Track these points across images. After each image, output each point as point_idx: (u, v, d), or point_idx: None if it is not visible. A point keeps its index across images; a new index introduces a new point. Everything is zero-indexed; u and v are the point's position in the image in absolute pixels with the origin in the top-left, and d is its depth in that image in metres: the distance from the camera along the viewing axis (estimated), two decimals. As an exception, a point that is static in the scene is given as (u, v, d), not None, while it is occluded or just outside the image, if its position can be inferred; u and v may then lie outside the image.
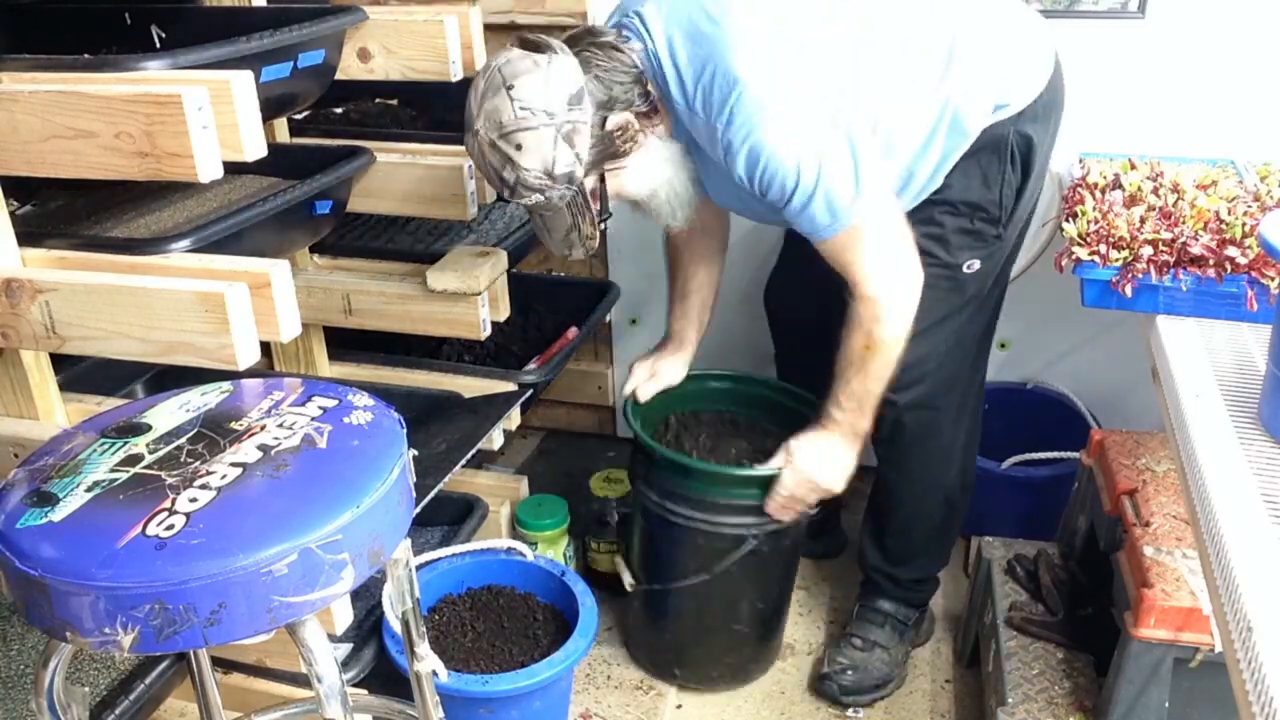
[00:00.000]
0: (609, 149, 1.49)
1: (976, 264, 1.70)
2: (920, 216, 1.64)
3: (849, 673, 1.90)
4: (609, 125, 1.47)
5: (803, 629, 2.10)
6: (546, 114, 1.40)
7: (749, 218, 1.76)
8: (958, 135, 1.58)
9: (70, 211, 1.62)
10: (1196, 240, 1.51)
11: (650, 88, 1.50)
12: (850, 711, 1.90)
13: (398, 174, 1.78)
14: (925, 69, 1.55)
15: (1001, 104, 1.60)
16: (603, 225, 1.56)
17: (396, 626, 1.57)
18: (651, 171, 1.56)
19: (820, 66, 1.49)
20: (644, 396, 1.90)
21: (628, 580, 1.91)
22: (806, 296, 1.92)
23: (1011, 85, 1.61)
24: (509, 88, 1.39)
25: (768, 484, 1.71)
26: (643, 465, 1.83)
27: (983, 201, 1.65)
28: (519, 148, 1.40)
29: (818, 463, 1.67)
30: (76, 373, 1.71)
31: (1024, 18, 1.68)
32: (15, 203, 1.63)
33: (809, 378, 1.85)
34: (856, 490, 2.16)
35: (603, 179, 1.53)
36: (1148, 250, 1.52)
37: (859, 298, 1.55)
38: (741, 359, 2.22)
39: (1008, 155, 1.64)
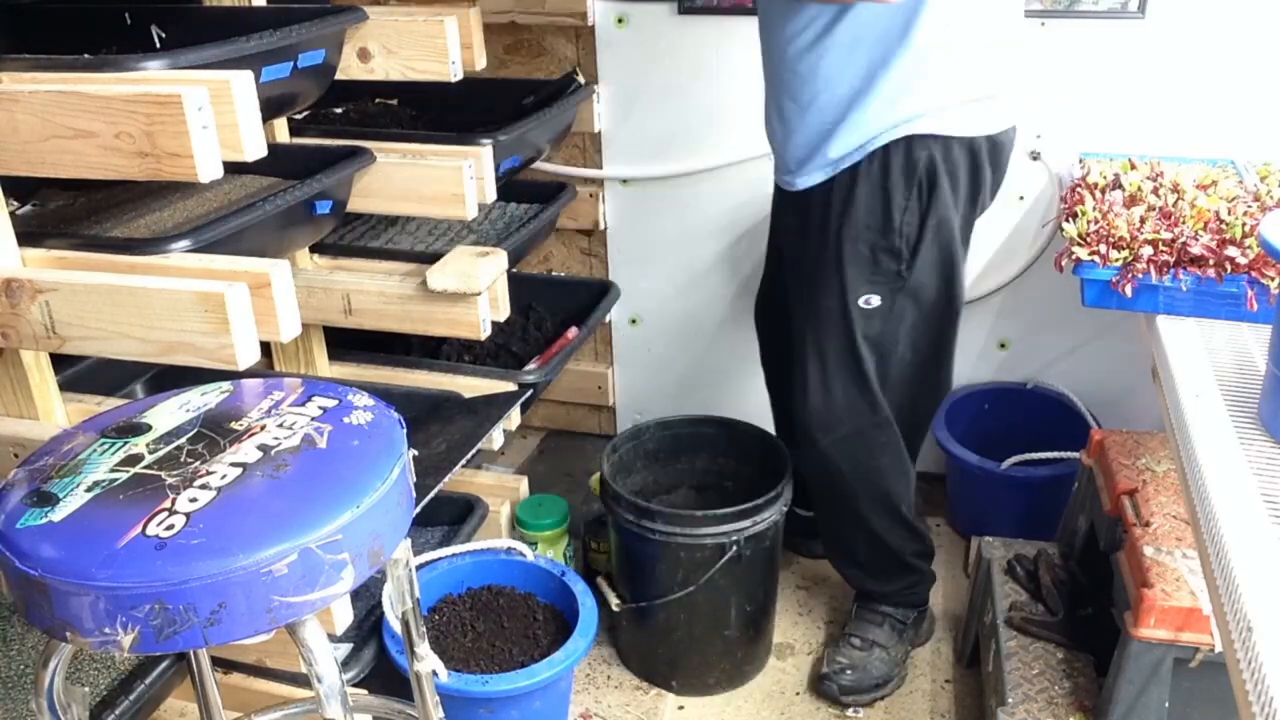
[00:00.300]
0: None
1: (876, 300, 1.66)
2: (815, 227, 1.65)
3: (848, 672, 1.89)
4: None
5: (803, 629, 2.10)
6: None
7: None
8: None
9: (70, 211, 1.62)
10: (1196, 240, 1.51)
11: None
12: (850, 711, 1.90)
13: (398, 174, 1.78)
14: None
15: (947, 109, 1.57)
16: None
17: (396, 626, 1.57)
18: None
19: None
20: None
21: (613, 601, 1.92)
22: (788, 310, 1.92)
23: (981, 104, 1.59)
24: None
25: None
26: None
27: (883, 227, 1.62)
28: None
29: None
30: (76, 373, 1.71)
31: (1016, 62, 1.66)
32: (15, 203, 1.63)
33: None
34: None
35: None
36: (1148, 250, 1.52)
37: None
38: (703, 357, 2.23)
39: (914, 183, 1.59)
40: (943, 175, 1.59)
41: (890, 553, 1.90)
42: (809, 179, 1.67)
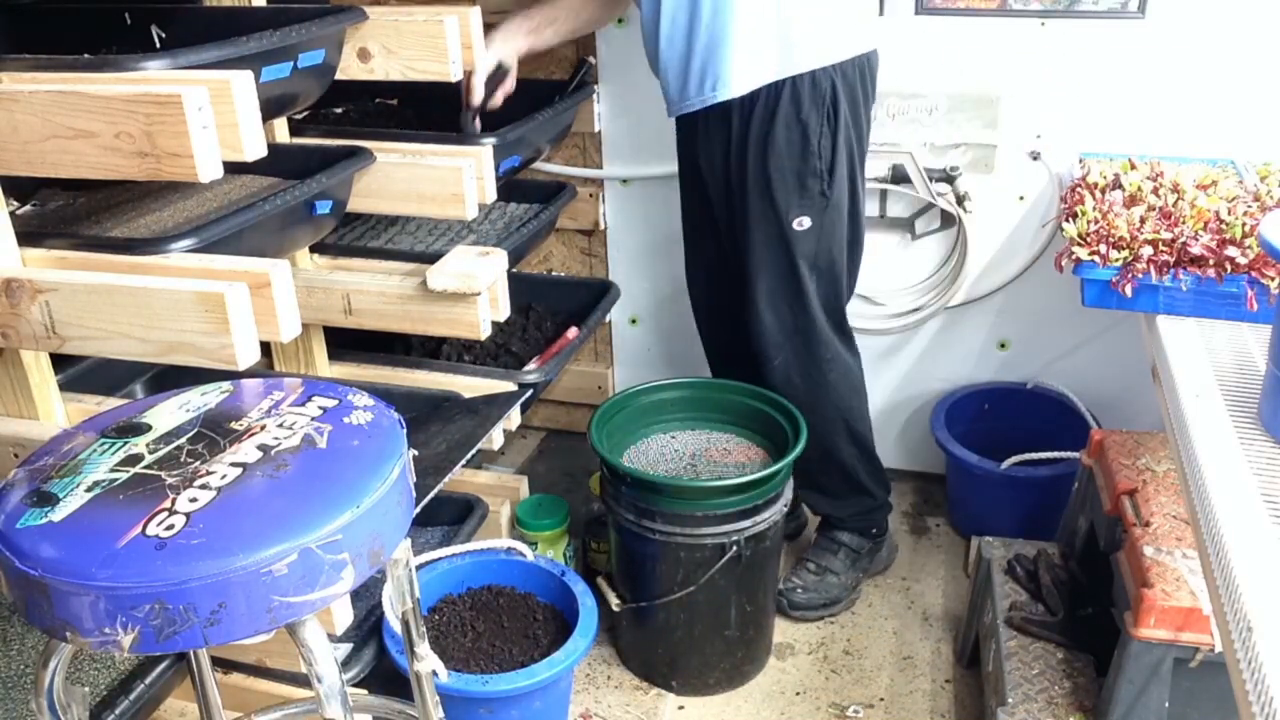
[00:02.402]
0: None
1: (807, 221, 1.83)
2: (754, 174, 1.82)
3: (799, 591, 2.10)
4: None
5: (803, 629, 2.10)
6: None
7: None
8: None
9: (70, 211, 1.62)
10: (1196, 240, 1.51)
11: None
12: (850, 710, 1.90)
13: (398, 174, 1.78)
14: None
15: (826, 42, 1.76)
16: None
17: (396, 626, 1.57)
18: None
19: None
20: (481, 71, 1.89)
21: (613, 601, 1.92)
22: (719, 281, 2.07)
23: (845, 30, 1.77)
24: None
25: (744, 489, 1.76)
26: (613, 485, 1.84)
27: (803, 147, 1.79)
28: None
29: None
30: (76, 373, 1.71)
31: None
32: (15, 203, 1.63)
33: (731, 364, 2.10)
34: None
35: None
36: (1148, 250, 1.52)
37: None
38: (703, 358, 2.25)
39: (822, 104, 1.78)
40: (843, 99, 1.79)
41: (845, 473, 2.08)
42: (730, 88, 1.79)
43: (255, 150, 1.26)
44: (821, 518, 2.19)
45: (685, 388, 2.05)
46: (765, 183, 1.82)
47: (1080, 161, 1.98)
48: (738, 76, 1.76)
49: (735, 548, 1.77)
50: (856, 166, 1.88)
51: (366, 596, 1.75)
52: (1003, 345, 2.34)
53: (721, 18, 1.73)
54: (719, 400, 2.02)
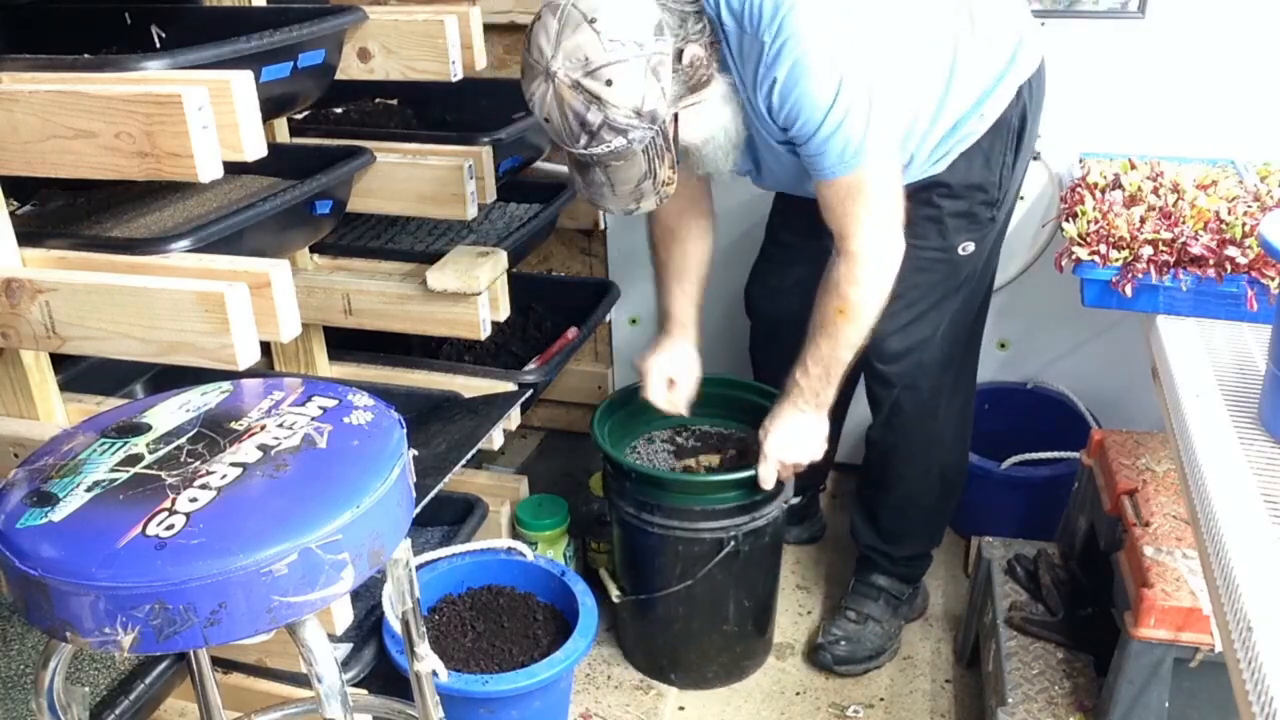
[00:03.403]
0: (688, 81, 1.41)
1: (971, 246, 1.72)
2: (919, 199, 1.65)
3: (843, 643, 1.96)
4: (685, 58, 1.39)
5: (804, 629, 2.10)
6: (636, 45, 1.32)
7: (749, 174, 1.71)
8: (970, 117, 1.61)
9: (70, 211, 1.62)
10: (1196, 240, 1.51)
11: (706, 17, 1.43)
12: (851, 710, 1.90)
13: (398, 174, 1.78)
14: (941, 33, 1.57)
15: (1002, 76, 1.62)
16: (673, 171, 1.47)
17: (396, 626, 1.57)
18: (715, 111, 1.49)
19: (860, 6, 1.47)
20: (672, 409, 1.85)
21: (614, 593, 1.93)
22: (787, 296, 1.93)
23: (1017, 59, 1.64)
24: (592, 21, 1.30)
25: (743, 485, 1.74)
26: (615, 479, 1.84)
27: (984, 183, 1.68)
28: (609, 84, 1.31)
29: (790, 442, 1.69)
30: (76, 373, 1.71)
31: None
32: (15, 203, 1.63)
33: (782, 376, 1.88)
34: (835, 474, 2.26)
35: (676, 119, 1.44)
36: (1148, 250, 1.52)
37: (843, 253, 1.54)
38: (721, 362, 2.22)
39: (1009, 136, 1.66)
40: (1028, 119, 1.68)
41: (919, 517, 1.96)
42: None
43: (255, 150, 1.26)
44: (860, 556, 2.05)
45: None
46: (936, 214, 1.68)
47: (1080, 161, 1.98)
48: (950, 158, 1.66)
49: (733, 542, 1.78)
50: (1019, 184, 1.77)
51: (366, 596, 1.75)
52: (1003, 345, 2.33)
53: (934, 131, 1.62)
54: (724, 396, 2.02)
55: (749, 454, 1.79)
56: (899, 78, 1.53)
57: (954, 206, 1.69)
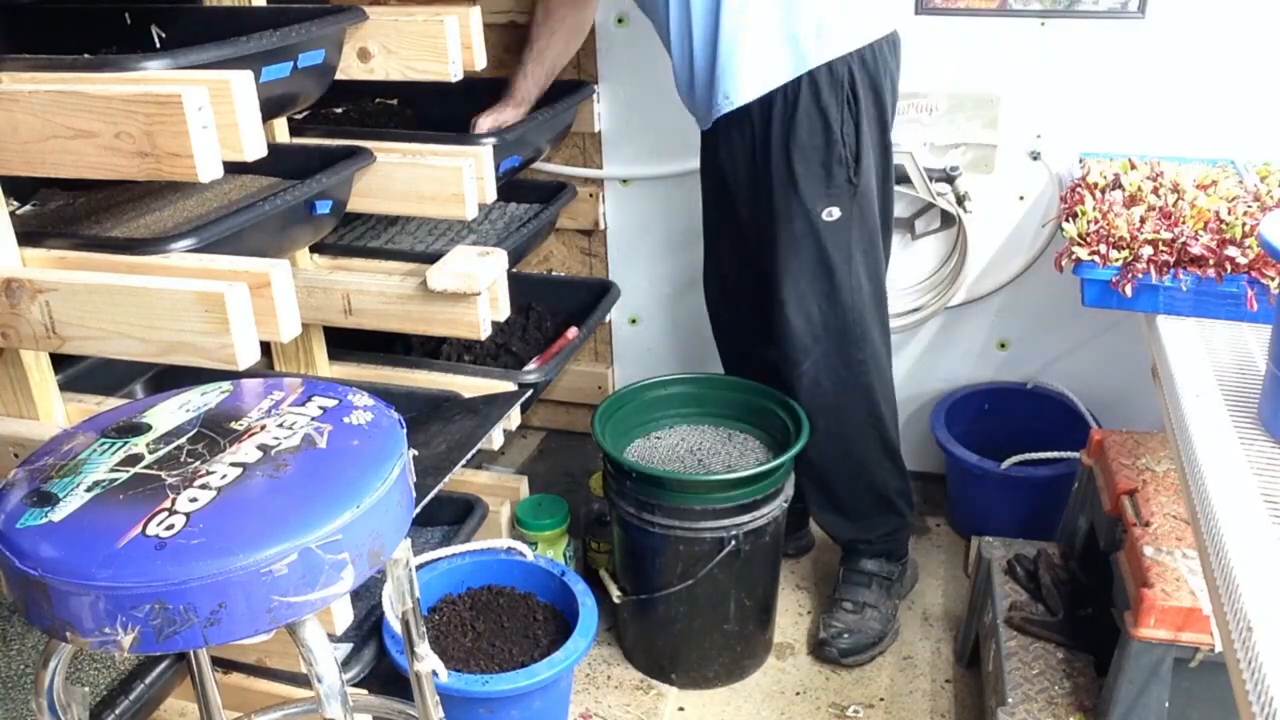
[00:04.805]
0: None
1: (837, 211, 1.78)
2: (779, 170, 1.78)
3: (845, 636, 1.98)
4: None
5: (803, 629, 2.10)
6: None
7: None
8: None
9: (70, 211, 1.62)
10: (1196, 240, 1.51)
11: None
12: (851, 710, 1.90)
13: (398, 174, 1.78)
14: None
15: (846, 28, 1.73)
16: None
17: (396, 626, 1.57)
18: None
19: None
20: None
21: (614, 593, 1.93)
22: (737, 290, 2.04)
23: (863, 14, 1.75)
24: None
25: (743, 484, 1.75)
26: (615, 479, 1.84)
27: (828, 143, 1.75)
28: None
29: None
30: (76, 373, 1.71)
31: None
32: (15, 203, 1.63)
33: (748, 369, 2.03)
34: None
35: None
36: (1148, 250, 1.52)
37: None
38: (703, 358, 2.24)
39: (845, 94, 1.75)
40: (861, 84, 1.75)
41: (876, 490, 2.00)
42: (742, 94, 1.77)
43: (255, 150, 1.26)
44: (844, 548, 2.09)
45: (688, 383, 2.05)
46: (790, 177, 1.78)
47: (1080, 161, 1.98)
48: (747, 83, 1.75)
49: (734, 542, 1.78)
50: (885, 153, 1.84)
51: (366, 596, 1.75)
52: (1003, 345, 2.34)
53: (722, 29, 1.72)
54: (722, 396, 2.03)
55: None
56: None
57: (806, 160, 1.76)
